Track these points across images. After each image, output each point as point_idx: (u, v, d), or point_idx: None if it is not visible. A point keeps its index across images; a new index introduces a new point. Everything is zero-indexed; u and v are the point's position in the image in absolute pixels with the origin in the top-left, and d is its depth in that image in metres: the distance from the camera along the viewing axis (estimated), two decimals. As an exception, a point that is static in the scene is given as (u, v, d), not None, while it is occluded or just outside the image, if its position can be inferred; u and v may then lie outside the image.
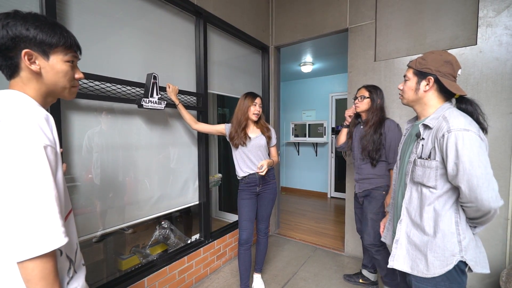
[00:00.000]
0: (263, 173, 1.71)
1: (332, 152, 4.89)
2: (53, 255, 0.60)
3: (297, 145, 5.31)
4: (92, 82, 1.44)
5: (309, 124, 5.12)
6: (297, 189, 5.39)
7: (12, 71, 0.67)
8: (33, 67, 0.66)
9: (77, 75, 0.76)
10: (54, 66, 0.69)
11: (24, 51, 0.64)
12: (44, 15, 0.69)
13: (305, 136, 5.17)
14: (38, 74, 0.68)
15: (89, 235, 1.49)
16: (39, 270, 0.57)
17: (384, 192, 1.80)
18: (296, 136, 5.32)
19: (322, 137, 4.95)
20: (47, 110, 0.68)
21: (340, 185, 4.85)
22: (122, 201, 1.65)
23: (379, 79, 2.32)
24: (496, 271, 1.88)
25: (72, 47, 0.72)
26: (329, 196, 4.96)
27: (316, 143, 5.03)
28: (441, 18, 2.06)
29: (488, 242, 1.91)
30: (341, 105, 4.83)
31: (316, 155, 5.11)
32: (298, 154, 5.34)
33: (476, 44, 1.93)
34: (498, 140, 1.87)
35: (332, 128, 4.88)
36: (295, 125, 5.32)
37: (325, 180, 5.01)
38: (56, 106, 1.29)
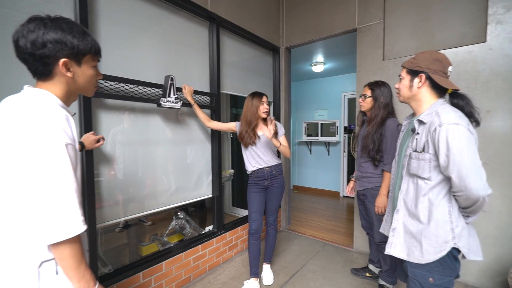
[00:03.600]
0: (270, 136, 1.73)
1: (344, 151, 4.89)
2: (78, 239, 0.69)
3: (309, 144, 5.36)
4: (117, 84, 1.61)
5: (321, 124, 5.15)
6: (309, 188, 5.43)
7: (45, 76, 0.70)
8: (69, 74, 0.71)
9: (98, 77, 0.82)
10: (85, 71, 0.75)
11: (62, 60, 0.68)
12: (74, 21, 0.71)
13: (317, 135, 5.21)
14: (71, 79, 0.73)
15: (115, 221, 1.68)
16: (69, 250, 0.66)
17: None
18: (308, 135, 5.36)
19: (335, 136, 4.97)
20: (70, 108, 0.75)
21: (352, 184, 4.84)
22: (143, 192, 1.82)
23: (388, 78, 2.35)
24: (505, 269, 1.87)
25: (98, 53, 0.78)
26: (341, 195, 4.96)
27: (329, 142, 5.06)
28: (449, 16, 2.07)
29: (497, 240, 1.90)
30: (353, 104, 4.83)
31: (329, 154, 5.13)
32: (310, 153, 5.38)
33: (485, 41, 1.92)
34: (509, 137, 1.86)
35: (345, 127, 4.88)
36: (307, 124, 5.37)
37: (338, 179, 5.02)
38: (87, 105, 1.47)
